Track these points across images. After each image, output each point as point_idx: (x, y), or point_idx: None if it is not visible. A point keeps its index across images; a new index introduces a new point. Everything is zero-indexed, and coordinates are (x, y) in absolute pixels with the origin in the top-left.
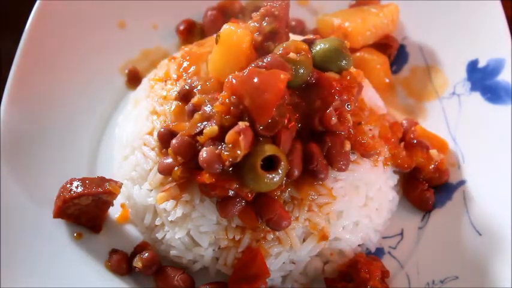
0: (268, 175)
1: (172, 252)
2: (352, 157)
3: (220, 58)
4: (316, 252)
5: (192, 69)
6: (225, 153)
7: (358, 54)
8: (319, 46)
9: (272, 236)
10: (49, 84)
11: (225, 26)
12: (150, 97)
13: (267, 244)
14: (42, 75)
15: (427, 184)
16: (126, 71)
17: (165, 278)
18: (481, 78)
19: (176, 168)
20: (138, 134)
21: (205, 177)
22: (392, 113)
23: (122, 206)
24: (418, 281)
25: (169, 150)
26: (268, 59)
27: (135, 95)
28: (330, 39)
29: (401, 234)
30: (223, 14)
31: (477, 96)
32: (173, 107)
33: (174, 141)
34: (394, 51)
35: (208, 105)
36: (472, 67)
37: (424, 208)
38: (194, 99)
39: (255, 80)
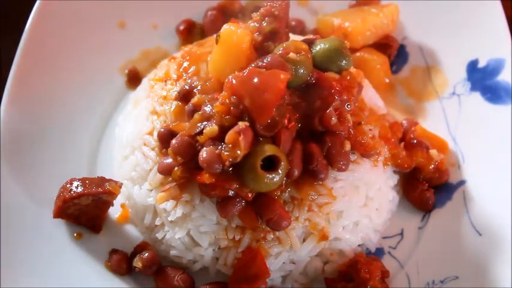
0: (268, 175)
1: (172, 252)
2: (352, 157)
3: (220, 58)
4: (316, 252)
5: (192, 69)
6: (225, 153)
7: (358, 54)
8: (319, 46)
9: (272, 236)
10: (49, 84)
11: (225, 26)
12: (150, 97)
13: (267, 244)
14: (42, 75)
15: (427, 184)
16: (126, 71)
17: (165, 278)
18: (481, 78)
19: (176, 168)
20: (138, 134)
21: (205, 177)
22: (392, 113)
23: (122, 206)
24: (418, 281)
25: (169, 150)
26: (268, 59)
27: (135, 95)
28: (330, 39)
29: (401, 234)
30: (223, 14)
31: (477, 96)
32: (173, 107)
33: (174, 141)
34: (394, 51)
35: (208, 105)
36: (472, 67)
37: (424, 208)
38: (194, 99)
39: (255, 80)
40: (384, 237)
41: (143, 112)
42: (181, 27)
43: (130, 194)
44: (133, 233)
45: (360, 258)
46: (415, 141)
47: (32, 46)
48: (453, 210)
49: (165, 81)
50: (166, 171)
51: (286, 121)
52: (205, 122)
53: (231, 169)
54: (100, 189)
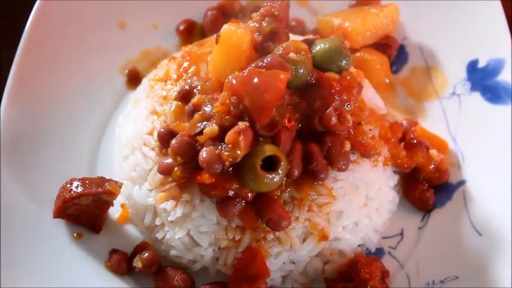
0: (268, 175)
1: (172, 252)
2: (352, 157)
3: (220, 58)
4: (316, 252)
5: (192, 69)
6: (225, 153)
7: (358, 54)
8: (319, 46)
9: (272, 236)
10: (49, 84)
11: (225, 26)
12: (150, 97)
13: (267, 244)
14: (42, 75)
15: (427, 184)
16: (126, 71)
17: (165, 278)
18: (481, 78)
19: (176, 168)
20: (138, 134)
21: (205, 177)
22: (392, 113)
23: (122, 206)
24: (418, 281)
25: (169, 150)
26: (268, 59)
27: (135, 95)
28: (330, 39)
29: (401, 234)
30: (223, 14)
31: (477, 96)
32: (173, 107)
33: (174, 141)
34: (394, 51)
35: (208, 105)
36: (472, 67)
37: (424, 208)
38: (194, 99)
39: (255, 80)
40: (384, 237)
41: (143, 112)
42: (181, 27)
43: (130, 194)
44: (133, 233)
45: (360, 258)
46: (415, 141)
47: (32, 46)
48: (453, 210)
49: (165, 81)
50: (166, 171)
51: (286, 121)
52: (205, 122)
53: (231, 169)
54: (100, 189)
